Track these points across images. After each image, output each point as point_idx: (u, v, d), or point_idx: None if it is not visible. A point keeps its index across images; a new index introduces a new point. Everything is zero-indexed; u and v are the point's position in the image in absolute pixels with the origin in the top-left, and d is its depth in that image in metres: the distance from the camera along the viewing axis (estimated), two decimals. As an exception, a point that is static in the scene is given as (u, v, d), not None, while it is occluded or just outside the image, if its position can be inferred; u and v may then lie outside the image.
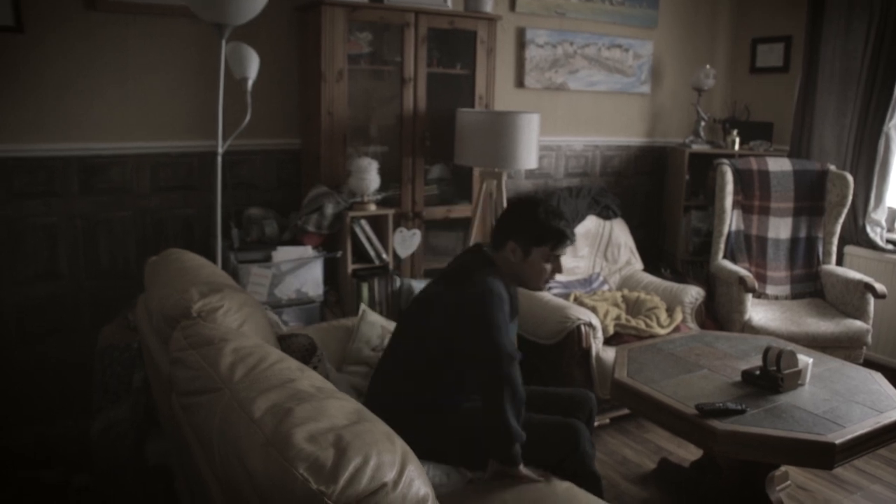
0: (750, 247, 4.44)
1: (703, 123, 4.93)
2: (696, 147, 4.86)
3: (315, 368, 2.09)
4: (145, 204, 3.48)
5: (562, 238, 2.36)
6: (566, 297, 4.00)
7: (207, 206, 3.51)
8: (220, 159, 3.10)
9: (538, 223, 2.33)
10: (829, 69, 4.61)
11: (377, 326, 3.06)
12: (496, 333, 2.14)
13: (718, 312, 4.23)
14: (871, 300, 3.99)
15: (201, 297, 1.86)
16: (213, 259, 3.14)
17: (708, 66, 4.87)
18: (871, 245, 4.45)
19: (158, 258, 2.34)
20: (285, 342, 2.08)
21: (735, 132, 4.89)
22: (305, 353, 2.08)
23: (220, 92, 3.05)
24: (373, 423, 1.32)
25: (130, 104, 3.39)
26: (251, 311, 1.97)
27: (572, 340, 3.44)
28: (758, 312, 4.03)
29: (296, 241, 3.43)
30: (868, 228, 4.46)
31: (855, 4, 4.43)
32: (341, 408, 1.35)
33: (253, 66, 3.16)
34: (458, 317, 2.20)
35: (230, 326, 1.79)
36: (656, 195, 5.16)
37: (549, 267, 2.39)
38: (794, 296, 4.37)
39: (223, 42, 3.02)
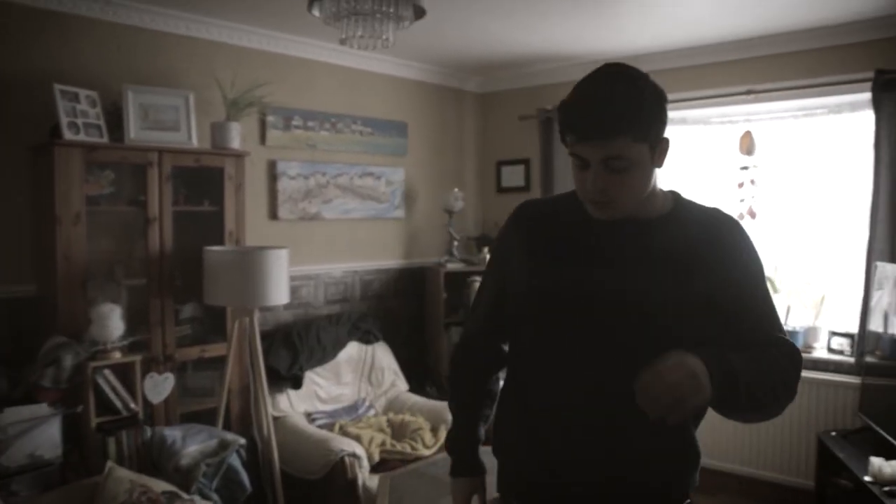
0: (506, 358, 4.68)
1: (455, 243, 5.22)
2: (451, 266, 5.12)
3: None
4: None
5: (562, 125, 1.54)
6: (331, 426, 3.96)
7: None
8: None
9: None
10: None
11: (125, 482, 2.88)
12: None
13: (482, 425, 4.38)
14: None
15: None
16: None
17: (456, 190, 5.21)
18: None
19: None
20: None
21: (486, 249, 5.23)
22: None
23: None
24: None
25: None
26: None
27: (337, 473, 3.42)
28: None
29: (30, 399, 3.14)
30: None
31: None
32: None
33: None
34: None
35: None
36: (417, 314, 5.31)
37: (583, 175, 1.53)
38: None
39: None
